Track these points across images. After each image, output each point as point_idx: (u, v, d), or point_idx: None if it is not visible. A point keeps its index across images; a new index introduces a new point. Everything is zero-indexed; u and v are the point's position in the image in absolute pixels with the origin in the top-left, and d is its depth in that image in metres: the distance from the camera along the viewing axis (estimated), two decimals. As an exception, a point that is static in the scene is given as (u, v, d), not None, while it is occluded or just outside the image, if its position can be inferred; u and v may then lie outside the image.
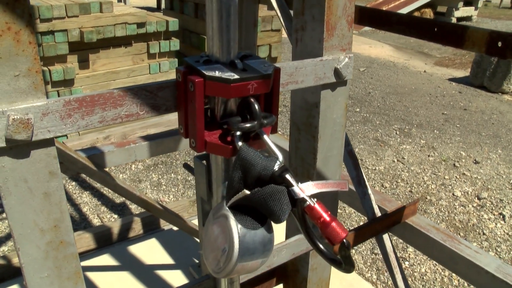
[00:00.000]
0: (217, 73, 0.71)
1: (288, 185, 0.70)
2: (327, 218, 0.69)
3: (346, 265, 0.73)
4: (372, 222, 1.68)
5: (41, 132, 0.70)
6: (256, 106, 0.73)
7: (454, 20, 11.58)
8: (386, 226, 1.73)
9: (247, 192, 0.72)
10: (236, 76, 0.70)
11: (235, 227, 0.72)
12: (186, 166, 1.00)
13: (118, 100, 0.74)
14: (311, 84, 0.98)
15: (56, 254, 0.80)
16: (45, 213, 0.76)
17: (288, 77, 0.93)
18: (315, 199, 0.71)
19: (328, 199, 1.22)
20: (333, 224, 0.69)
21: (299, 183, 0.71)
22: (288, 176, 0.70)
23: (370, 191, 1.75)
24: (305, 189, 0.70)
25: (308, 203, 0.70)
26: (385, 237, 1.77)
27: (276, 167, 0.71)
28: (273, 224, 0.78)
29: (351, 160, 1.70)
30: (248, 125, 0.73)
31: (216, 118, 0.78)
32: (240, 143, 0.72)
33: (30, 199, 0.73)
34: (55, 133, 0.71)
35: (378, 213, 1.74)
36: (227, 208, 0.74)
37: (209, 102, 0.78)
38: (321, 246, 0.73)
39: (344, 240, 0.70)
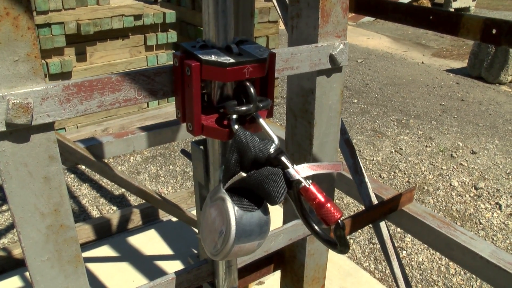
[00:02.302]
0: (213, 57, 0.72)
1: (284, 167, 0.71)
2: (322, 199, 0.70)
3: (341, 246, 0.74)
4: (369, 209, 1.70)
5: (41, 117, 0.71)
6: (252, 90, 0.74)
7: (451, 11, 11.54)
8: (383, 214, 1.75)
9: (244, 174, 0.73)
10: (232, 60, 0.71)
11: (232, 209, 0.74)
12: (183, 152, 1.01)
13: (116, 85, 0.75)
14: (307, 70, 0.99)
15: (56, 238, 0.81)
16: (45, 197, 0.77)
17: (283, 63, 0.94)
18: (311, 181, 0.72)
19: (325, 184, 1.24)
20: (328, 205, 0.70)
21: (295, 165, 0.72)
22: (283, 158, 0.71)
23: (367, 179, 1.77)
24: (300, 171, 0.71)
25: (303, 184, 0.71)
26: (382, 224, 1.78)
27: (271, 150, 0.72)
28: (270, 208, 0.79)
29: (347, 148, 1.72)
30: (244, 108, 0.74)
31: (212, 102, 0.79)
32: (236, 126, 0.73)
33: (30, 183, 0.75)
34: (54, 117, 0.72)
35: (375, 201, 1.76)
36: (224, 190, 0.75)
37: (205, 86, 0.79)
38: (316, 227, 0.74)
39: (339, 221, 0.71)
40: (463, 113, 5.60)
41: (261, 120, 0.77)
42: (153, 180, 3.87)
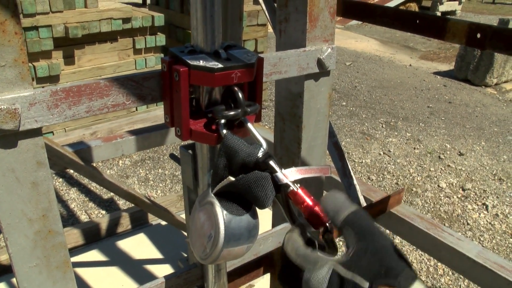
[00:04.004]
0: (201, 63, 0.72)
1: (272, 171, 0.72)
2: (310, 203, 0.71)
3: (330, 249, 0.75)
4: (357, 211, 1.71)
5: (28, 122, 0.70)
6: (240, 95, 0.75)
7: (438, 14, 11.68)
8: (372, 216, 1.76)
9: (232, 179, 0.73)
10: (220, 65, 0.72)
11: (221, 213, 0.74)
12: (172, 156, 1.02)
13: (105, 90, 0.75)
14: (295, 74, 1.00)
15: (45, 244, 0.81)
16: (33, 202, 0.77)
17: (272, 67, 0.95)
18: (299, 185, 0.72)
19: (313, 188, 1.24)
20: (316, 208, 0.71)
21: (283, 169, 0.72)
22: (271, 163, 0.72)
23: (355, 182, 1.78)
24: (289, 175, 0.72)
25: (291, 188, 0.71)
26: (371, 226, 1.80)
27: (260, 154, 0.72)
28: (258, 211, 0.80)
29: (336, 151, 1.73)
30: (232, 113, 0.74)
31: (201, 107, 0.79)
32: (224, 131, 0.74)
33: (18, 189, 0.74)
34: (42, 123, 0.71)
35: (363, 203, 1.77)
36: (212, 195, 0.75)
37: (194, 91, 0.79)
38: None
39: (327, 224, 0.72)
40: (450, 115, 5.67)
41: (249, 125, 0.77)
42: (142, 183, 3.86)
